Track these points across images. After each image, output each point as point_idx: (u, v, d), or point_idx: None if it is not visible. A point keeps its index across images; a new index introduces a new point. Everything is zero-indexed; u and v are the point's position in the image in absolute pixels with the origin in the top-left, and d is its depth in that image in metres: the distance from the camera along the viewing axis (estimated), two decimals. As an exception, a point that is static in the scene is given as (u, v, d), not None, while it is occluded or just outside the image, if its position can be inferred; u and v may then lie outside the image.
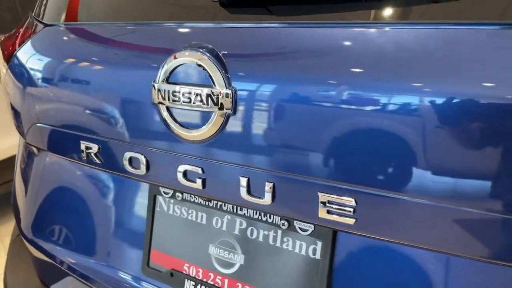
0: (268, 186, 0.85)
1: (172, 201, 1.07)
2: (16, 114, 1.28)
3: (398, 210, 0.74)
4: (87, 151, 1.10)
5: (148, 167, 1.01)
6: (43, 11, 1.25)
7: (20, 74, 1.20)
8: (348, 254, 0.86)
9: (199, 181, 0.93)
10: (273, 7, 0.86)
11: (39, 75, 1.16)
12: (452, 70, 0.67)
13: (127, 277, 1.14)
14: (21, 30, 1.29)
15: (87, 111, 1.08)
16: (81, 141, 1.11)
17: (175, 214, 1.07)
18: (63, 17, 1.19)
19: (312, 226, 0.88)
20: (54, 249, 1.27)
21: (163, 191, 1.08)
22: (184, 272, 1.06)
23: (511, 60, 0.64)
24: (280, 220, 0.92)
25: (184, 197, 1.05)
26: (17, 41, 1.25)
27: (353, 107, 0.73)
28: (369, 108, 0.72)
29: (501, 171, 0.65)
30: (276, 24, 0.85)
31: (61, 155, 1.21)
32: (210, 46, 0.87)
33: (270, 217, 0.94)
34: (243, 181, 0.87)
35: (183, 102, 0.89)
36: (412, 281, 0.79)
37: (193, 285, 1.05)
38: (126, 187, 1.16)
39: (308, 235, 0.89)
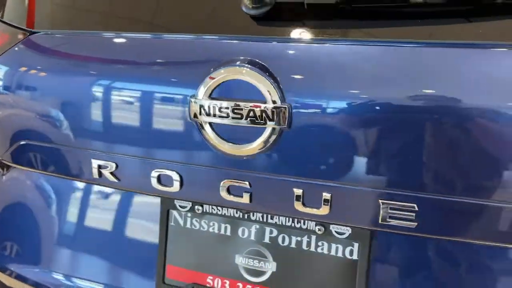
0: (325, 197, 0.88)
1: (189, 214, 1.05)
2: None
3: (458, 212, 0.83)
4: (100, 169, 1.03)
5: (182, 184, 0.98)
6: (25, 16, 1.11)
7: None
8: (385, 251, 0.93)
9: (246, 196, 0.93)
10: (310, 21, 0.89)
11: (33, 87, 1.04)
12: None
13: (141, 297, 1.09)
14: None
15: (103, 127, 1.00)
16: (92, 159, 1.03)
17: (193, 228, 1.05)
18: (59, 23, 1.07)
19: (349, 229, 0.94)
20: (44, 274, 1.16)
21: (179, 205, 1.05)
22: (208, 285, 1.05)
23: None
24: (316, 226, 0.96)
25: (204, 210, 1.04)
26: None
27: (420, 115, 0.80)
28: (435, 116, 0.79)
29: None
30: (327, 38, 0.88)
31: (58, 175, 1.10)
32: (259, 60, 0.87)
33: (304, 223, 0.97)
34: (298, 193, 0.90)
35: (232, 117, 0.87)
36: (455, 275, 0.89)
37: (220, 296, 1.05)
38: (130, 203, 1.11)
39: (345, 237, 0.95)
